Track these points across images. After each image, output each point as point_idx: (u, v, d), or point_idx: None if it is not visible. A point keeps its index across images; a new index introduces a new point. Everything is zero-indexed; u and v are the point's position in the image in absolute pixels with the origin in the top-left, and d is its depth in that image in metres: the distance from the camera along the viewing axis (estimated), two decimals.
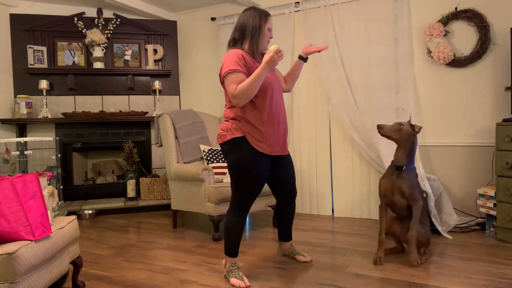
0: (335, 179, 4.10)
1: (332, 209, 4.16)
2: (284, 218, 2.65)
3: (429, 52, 3.60)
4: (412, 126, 2.59)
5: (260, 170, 2.29)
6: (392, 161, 2.68)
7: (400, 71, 3.69)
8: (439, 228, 3.25)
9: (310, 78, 4.18)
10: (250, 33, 2.34)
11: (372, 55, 3.76)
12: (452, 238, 3.19)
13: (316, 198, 4.19)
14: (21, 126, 4.49)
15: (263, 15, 2.36)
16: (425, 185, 3.29)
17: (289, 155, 2.57)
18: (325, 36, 3.98)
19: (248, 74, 2.27)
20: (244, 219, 2.39)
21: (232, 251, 2.40)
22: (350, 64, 3.85)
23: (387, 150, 3.63)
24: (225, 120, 2.39)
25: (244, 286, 2.29)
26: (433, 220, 3.26)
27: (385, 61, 3.72)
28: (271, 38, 2.42)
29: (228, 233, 2.38)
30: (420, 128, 2.59)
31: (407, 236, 2.63)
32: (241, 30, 2.37)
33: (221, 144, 2.38)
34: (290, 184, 2.56)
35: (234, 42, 2.40)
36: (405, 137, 2.58)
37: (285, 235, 2.72)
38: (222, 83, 2.33)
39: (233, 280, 2.33)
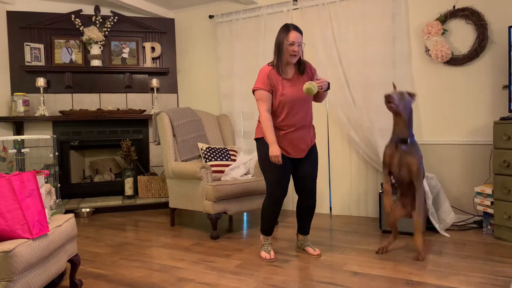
0: (333, 177, 4.11)
1: (330, 207, 4.17)
2: (300, 212, 2.84)
3: (427, 50, 3.60)
4: (408, 92, 2.62)
5: (276, 165, 2.62)
6: (393, 135, 2.68)
7: (398, 69, 3.69)
8: (437, 226, 3.25)
9: None
10: (276, 49, 2.61)
11: (370, 54, 3.76)
12: (449, 236, 3.20)
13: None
14: (18, 124, 4.47)
15: (284, 30, 2.56)
16: (424, 184, 3.29)
17: (311, 156, 2.75)
18: (323, 34, 3.97)
19: (272, 90, 2.60)
20: (275, 205, 2.68)
21: (264, 228, 2.77)
22: (348, 63, 3.85)
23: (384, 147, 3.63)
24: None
25: (269, 258, 2.71)
26: (431, 218, 3.27)
27: (383, 59, 3.72)
28: (295, 51, 2.54)
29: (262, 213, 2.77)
30: (415, 94, 2.65)
31: (414, 223, 2.65)
32: (274, 47, 2.64)
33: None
34: (304, 181, 2.73)
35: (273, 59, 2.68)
36: (407, 105, 2.59)
37: (300, 228, 2.89)
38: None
39: (262, 253, 2.76)
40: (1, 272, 1.67)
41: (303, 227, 2.87)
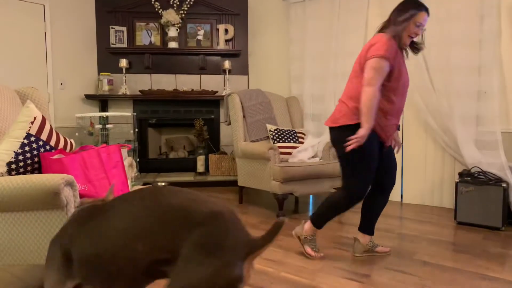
0: (406, 164, 3.94)
1: (401, 195, 4.02)
2: (366, 207, 2.49)
3: None
4: None
5: (372, 159, 2.30)
6: None
7: (485, 50, 3.40)
8: None
9: None
10: (398, 21, 2.21)
11: (453, 33, 3.50)
12: None
13: None
14: (103, 102, 4.85)
15: (415, 6, 2.21)
16: (507, 175, 3.05)
17: (390, 146, 2.45)
18: None
19: (392, 65, 2.18)
20: (353, 204, 2.35)
21: (320, 221, 2.42)
22: (428, 43, 3.62)
23: (464, 135, 3.41)
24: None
25: (318, 256, 2.45)
26: None
27: (468, 40, 3.44)
28: (417, 34, 2.24)
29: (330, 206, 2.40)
30: None
31: None
32: (390, 17, 2.28)
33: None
34: (381, 173, 2.42)
35: (383, 28, 2.32)
36: None
37: (363, 225, 2.50)
38: (363, 62, 2.24)
39: (309, 250, 2.47)
40: None
41: (367, 225, 2.49)
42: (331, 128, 2.37)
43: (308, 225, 2.47)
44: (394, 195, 4.04)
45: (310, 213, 3.59)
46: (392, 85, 2.23)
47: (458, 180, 3.18)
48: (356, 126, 2.24)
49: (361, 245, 2.51)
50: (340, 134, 2.30)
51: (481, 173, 3.14)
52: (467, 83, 3.46)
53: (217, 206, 1.17)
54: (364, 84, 2.17)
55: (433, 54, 3.59)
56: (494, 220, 3.01)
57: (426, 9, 2.21)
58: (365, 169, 2.27)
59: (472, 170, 3.24)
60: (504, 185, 2.98)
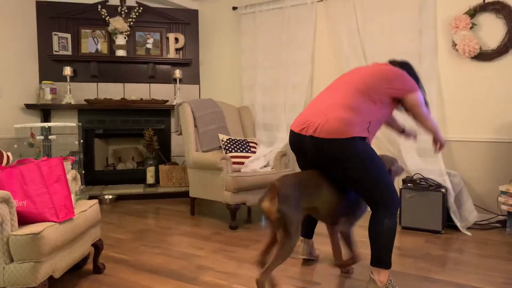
0: None
1: None
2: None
3: (454, 44, 3.51)
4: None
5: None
6: None
7: (424, 63, 3.62)
8: (458, 224, 3.20)
9: (332, 70, 4.15)
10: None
11: (395, 47, 3.69)
12: (470, 234, 3.14)
13: None
14: (45, 112, 4.60)
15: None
16: (446, 181, 3.24)
17: None
18: (348, 27, 3.93)
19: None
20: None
21: (387, 260, 2.00)
22: (373, 55, 3.79)
23: (407, 144, 3.59)
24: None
25: None
26: (452, 216, 3.22)
27: (409, 53, 3.65)
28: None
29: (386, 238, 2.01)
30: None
31: None
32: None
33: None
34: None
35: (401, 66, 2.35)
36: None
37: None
38: (398, 94, 2.16)
39: None
40: (30, 253, 1.74)
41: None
42: (332, 140, 2.01)
43: (383, 274, 2.01)
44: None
45: (263, 222, 3.60)
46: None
47: (402, 187, 3.34)
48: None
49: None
50: (353, 144, 1.99)
51: (422, 180, 3.32)
52: None
53: None
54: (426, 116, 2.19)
55: None
56: (435, 224, 3.18)
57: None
58: (386, 173, 2.06)
59: (415, 177, 3.41)
60: (443, 190, 3.17)
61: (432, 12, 3.57)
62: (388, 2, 3.72)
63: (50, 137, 4.11)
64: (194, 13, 5.02)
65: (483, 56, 3.41)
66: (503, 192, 3.19)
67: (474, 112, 3.51)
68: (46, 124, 4.08)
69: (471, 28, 3.42)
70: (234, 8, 4.74)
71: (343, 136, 1.99)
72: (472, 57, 3.46)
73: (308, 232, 2.56)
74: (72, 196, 2.26)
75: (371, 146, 2.49)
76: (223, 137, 3.89)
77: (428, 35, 3.58)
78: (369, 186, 2.01)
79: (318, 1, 4.17)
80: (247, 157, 3.81)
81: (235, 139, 3.90)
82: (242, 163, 3.76)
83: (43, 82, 4.52)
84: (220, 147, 3.91)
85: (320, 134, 2.03)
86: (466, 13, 3.43)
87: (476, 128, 3.51)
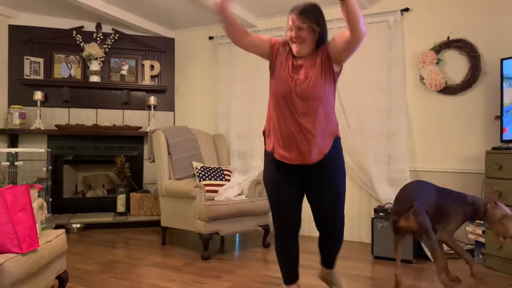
0: None
1: None
2: (320, 244, 2.43)
3: (422, 79, 3.67)
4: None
5: None
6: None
7: (393, 96, 3.75)
8: (428, 254, 3.25)
9: None
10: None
11: (366, 80, 3.82)
12: None
13: (308, 218, 4.17)
14: (13, 137, 4.46)
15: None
16: None
17: None
18: None
19: (272, 53, 2.14)
20: (282, 242, 2.25)
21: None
22: (343, 88, 3.90)
23: (378, 173, 3.66)
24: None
25: None
26: (423, 245, 3.27)
27: (379, 86, 3.78)
28: (290, 38, 2.04)
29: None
30: None
31: None
32: None
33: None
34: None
35: None
36: None
37: (322, 259, 2.43)
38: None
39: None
40: None
41: (325, 259, 2.43)
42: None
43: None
44: (315, 231, 4.15)
45: (236, 252, 3.54)
46: (271, 88, 2.15)
47: (373, 216, 3.38)
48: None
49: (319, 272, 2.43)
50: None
51: None
52: (379, 125, 3.76)
53: None
54: None
55: (349, 98, 3.88)
56: (406, 254, 3.21)
57: (293, 10, 2.01)
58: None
59: (386, 206, 3.47)
60: None
61: (400, 48, 3.74)
62: None
63: (16, 163, 3.97)
64: (170, 41, 5.07)
65: (449, 90, 3.58)
66: (470, 222, 3.27)
67: (442, 143, 3.64)
68: (12, 150, 3.94)
69: (437, 63, 3.59)
70: (211, 38, 4.81)
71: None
72: (438, 91, 3.62)
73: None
74: (38, 225, 2.17)
75: None
76: (197, 164, 3.86)
77: (397, 69, 3.73)
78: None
79: None
80: (221, 185, 3.79)
81: (209, 167, 3.88)
82: (216, 191, 3.73)
83: (12, 106, 4.40)
84: (194, 175, 3.87)
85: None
86: (432, 49, 3.61)
87: (444, 159, 3.63)
